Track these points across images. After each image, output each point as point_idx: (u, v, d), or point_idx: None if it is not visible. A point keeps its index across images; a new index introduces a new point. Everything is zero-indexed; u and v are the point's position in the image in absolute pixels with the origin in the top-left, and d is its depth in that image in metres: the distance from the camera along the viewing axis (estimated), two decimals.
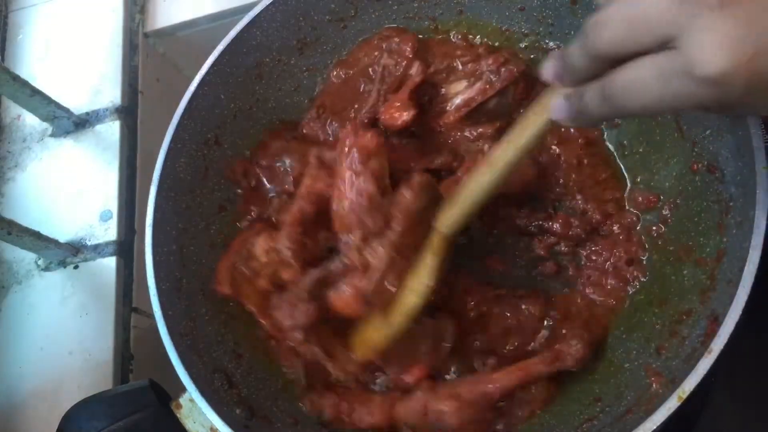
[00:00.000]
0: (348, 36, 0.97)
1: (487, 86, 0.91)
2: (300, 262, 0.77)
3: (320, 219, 0.78)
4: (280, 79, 0.97)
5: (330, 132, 0.93)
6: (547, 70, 0.60)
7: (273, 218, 0.88)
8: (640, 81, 0.51)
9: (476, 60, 0.93)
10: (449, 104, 0.93)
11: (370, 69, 0.95)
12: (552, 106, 0.60)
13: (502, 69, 0.90)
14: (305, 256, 0.78)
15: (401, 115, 0.86)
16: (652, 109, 0.52)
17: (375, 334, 0.77)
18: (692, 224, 0.79)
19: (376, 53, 0.95)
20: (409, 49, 0.92)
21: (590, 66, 0.55)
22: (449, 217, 0.74)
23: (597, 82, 0.55)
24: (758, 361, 0.82)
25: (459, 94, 0.93)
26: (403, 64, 0.91)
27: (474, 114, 0.91)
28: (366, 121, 0.90)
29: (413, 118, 0.87)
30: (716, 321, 0.64)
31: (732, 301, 0.62)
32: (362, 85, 0.95)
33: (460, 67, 0.94)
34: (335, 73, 0.97)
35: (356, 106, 0.93)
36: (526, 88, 0.92)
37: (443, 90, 0.94)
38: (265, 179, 0.91)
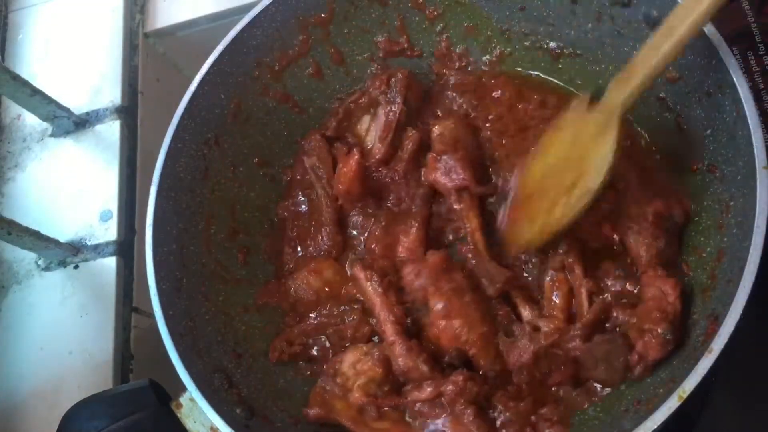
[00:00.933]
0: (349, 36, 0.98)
1: (390, 105, 0.92)
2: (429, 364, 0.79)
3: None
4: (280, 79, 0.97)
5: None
6: None
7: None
8: None
9: (362, 94, 0.95)
10: (368, 143, 0.95)
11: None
12: None
13: (392, 81, 0.92)
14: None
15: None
16: None
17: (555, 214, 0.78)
18: (692, 224, 0.79)
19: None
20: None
21: None
22: (627, 91, 0.74)
23: None
24: (758, 361, 0.82)
25: (369, 130, 0.95)
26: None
27: (396, 138, 0.92)
28: None
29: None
30: (716, 321, 0.64)
31: (732, 301, 0.62)
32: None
33: (353, 107, 0.96)
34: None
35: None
36: (419, 91, 0.94)
37: (350, 138, 0.96)
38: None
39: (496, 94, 0.94)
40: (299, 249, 0.94)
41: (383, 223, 0.90)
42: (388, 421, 0.79)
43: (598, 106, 0.77)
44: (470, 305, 0.80)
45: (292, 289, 0.90)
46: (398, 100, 0.91)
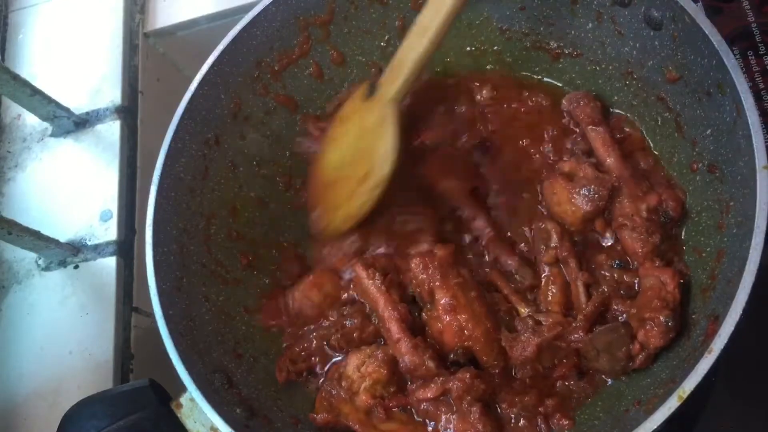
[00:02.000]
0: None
1: None
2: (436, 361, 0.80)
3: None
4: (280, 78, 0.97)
5: None
6: None
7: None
8: None
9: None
10: None
11: None
12: None
13: None
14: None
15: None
16: None
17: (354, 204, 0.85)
18: (692, 224, 0.79)
19: None
20: None
21: None
22: (395, 87, 0.82)
23: None
24: (758, 361, 0.82)
25: None
26: None
27: None
28: None
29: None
30: (716, 321, 0.64)
31: (732, 301, 0.62)
32: None
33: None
34: None
35: None
36: None
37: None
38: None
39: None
40: None
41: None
42: (396, 421, 0.79)
43: (373, 99, 0.84)
44: (475, 301, 0.80)
45: (293, 304, 0.90)
46: None
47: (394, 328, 0.81)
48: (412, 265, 0.83)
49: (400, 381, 0.80)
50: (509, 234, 0.87)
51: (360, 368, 0.80)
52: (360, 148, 0.86)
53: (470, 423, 0.75)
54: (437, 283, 0.80)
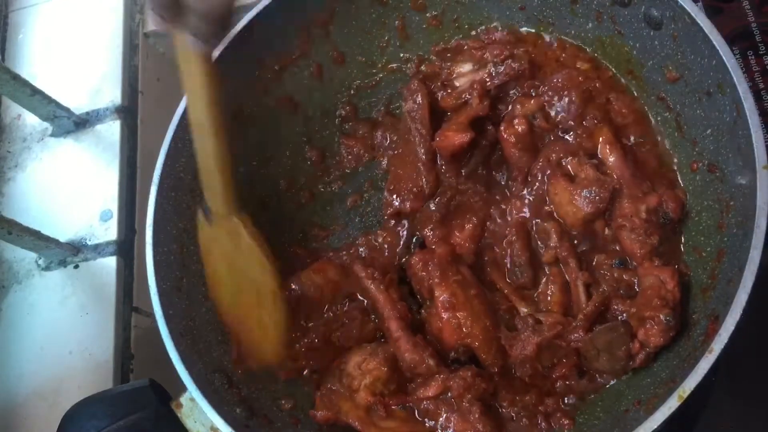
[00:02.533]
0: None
1: (488, 76, 0.91)
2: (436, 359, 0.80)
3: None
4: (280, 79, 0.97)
5: None
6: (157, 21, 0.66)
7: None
8: None
9: (483, 47, 0.93)
10: (455, 83, 0.94)
11: None
12: (187, 43, 0.68)
13: (506, 63, 0.91)
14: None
15: (458, 137, 0.87)
16: None
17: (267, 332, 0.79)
18: (692, 224, 0.79)
19: None
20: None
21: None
22: (220, 200, 0.77)
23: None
24: (758, 361, 0.82)
25: (463, 75, 0.94)
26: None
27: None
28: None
29: (469, 141, 0.87)
30: (716, 321, 0.64)
31: (732, 301, 0.62)
32: None
33: (467, 48, 0.95)
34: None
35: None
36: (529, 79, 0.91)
37: (449, 67, 0.95)
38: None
39: None
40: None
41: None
42: (396, 419, 0.79)
43: (214, 222, 0.79)
44: (475, 299, 0.80)
45: (295, 286, 0.90)
46: (496, 80, 0.91)
47: (394, 326, 0.81)
48: (412, 262, 0.83)
49: (401, 379, 0.80)
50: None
51: (361, 365, 0.81)
52: (237, 274, 0.80)
53: (470, 422, 0.75)
54: (436, 281, 0.80)
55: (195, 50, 0.67)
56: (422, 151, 0.91)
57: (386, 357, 0.80)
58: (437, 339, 0.81)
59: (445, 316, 0.79)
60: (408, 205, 0.91)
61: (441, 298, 0.80)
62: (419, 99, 0.92)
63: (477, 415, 0.75)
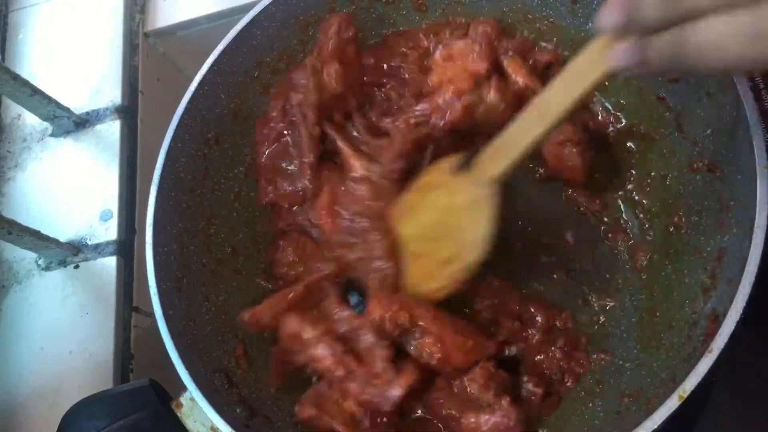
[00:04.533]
0: None
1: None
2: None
3: None
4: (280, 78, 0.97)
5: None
6: (608, 17, 0.54)
7: None
8: (721, 40, 0.47)
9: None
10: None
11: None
12: (614, 53, 0.57)
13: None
14: None
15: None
16: (725, 70, 0.52)
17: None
18: (692, 223, 0.79)
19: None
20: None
21: (664, 17, 0.50)
22: (499, 167, 0.72)
23: (667, 35, 0.50)
24: (758, 361, 0.82)
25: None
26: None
27: None
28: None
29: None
30: (716, 320, 0.64)
31: (732, 301, 0.62)
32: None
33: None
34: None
35: None
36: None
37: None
38: None
39: None
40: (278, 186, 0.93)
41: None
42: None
43: (469, 175, 0.75)
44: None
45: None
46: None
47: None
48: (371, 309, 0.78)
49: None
50: None
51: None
52: (444, 226, 0.77)
53: (502, 413, 0.72)
54: (416, 313, 0.76)
55: (620, 67, 0.58)
56: (306, 148, 0.88)
57: None
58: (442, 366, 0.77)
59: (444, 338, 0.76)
60: (285, 200, 0.91)
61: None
62: (311, 82, 0.87)
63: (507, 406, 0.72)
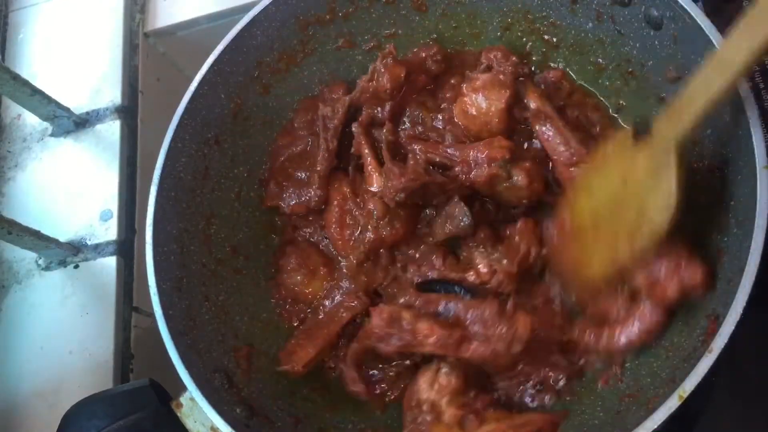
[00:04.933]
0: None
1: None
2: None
3: None
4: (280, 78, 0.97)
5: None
6: None
7: None
8: None
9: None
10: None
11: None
12: None
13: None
14: None
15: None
16: None
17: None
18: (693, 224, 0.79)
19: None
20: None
21: None
22: (680, 127, 0.69)
23: None
24: (758, 361, 0.82)
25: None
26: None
27: None
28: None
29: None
30: (716, 320, 0.64)
31: (732, 301, 0.62)
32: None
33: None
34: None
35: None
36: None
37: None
38: None
39: None
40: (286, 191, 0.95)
41: None
42: (491, 422, 0.76)
43: (646, 142, 0.72)
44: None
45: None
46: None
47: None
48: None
49: (479, 380, 0.79)
50: None
51: (433, 386, 0.78)
52: (624, 195, 0.74)
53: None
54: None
55: None
56: (320, 158, 0.91)
57: (454, 365, 0.78)
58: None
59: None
60: (289, 207, 0.93)
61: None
62: (340, 108, 0.92)
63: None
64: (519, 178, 0.82)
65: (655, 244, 0.71)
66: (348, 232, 0.89)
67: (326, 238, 0.93)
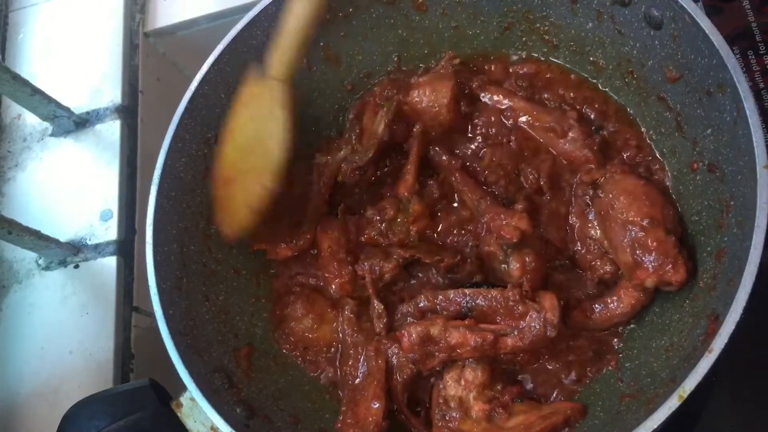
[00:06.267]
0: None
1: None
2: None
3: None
4: None
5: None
6: None
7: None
8: None
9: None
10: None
11: None
12: None
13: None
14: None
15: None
16: None
17: (248, 197, 0.79)
18: (692, 224, 0.79)
19: None
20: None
21: None
22: (282, 60, 0.76)
23: None
24: (758, 361, 0.82)
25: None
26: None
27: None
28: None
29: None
30: (717, 320, 0.64)
31: (732, 301, 0.62)
32: None
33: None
34: None
35: None
36: None
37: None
38: None
39: None
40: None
41: None
42: (519, 414, 0.76)
43: (262, 80, 0.78)
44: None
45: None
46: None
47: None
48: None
49: (504, 373, 0.79)
50: None
51: (459, 381, 0.78)
52: (254, 135, 0.79)
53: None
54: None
55: None
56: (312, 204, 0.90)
57: (480, 359, 0.78)
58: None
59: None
60: (278, 250, 0.90)
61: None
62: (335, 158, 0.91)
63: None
64: (513, 267, 0.79)
65: (277, 181, 0.76)
66: (347, 270, 0.88)
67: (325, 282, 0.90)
